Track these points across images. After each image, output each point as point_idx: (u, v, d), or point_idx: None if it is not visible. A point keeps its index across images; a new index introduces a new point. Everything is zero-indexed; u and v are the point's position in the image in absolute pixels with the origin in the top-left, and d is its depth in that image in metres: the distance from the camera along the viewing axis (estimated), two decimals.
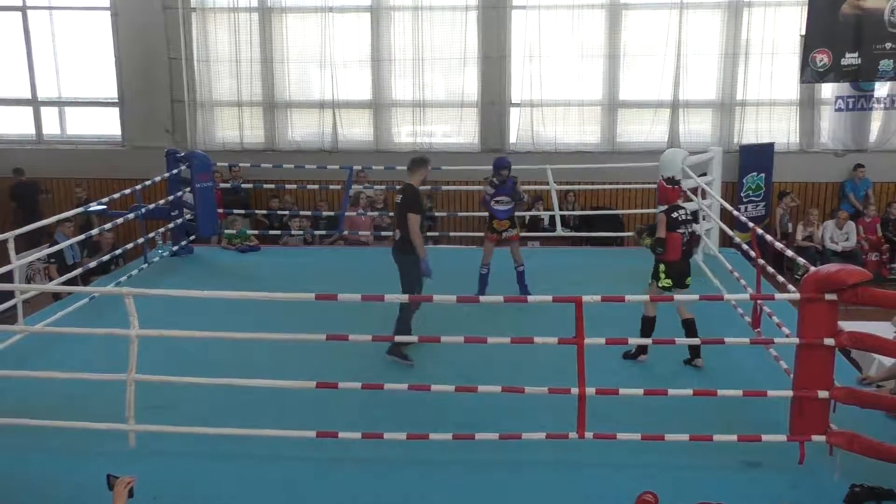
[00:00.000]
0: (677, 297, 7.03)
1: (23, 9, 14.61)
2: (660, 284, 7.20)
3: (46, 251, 9.66)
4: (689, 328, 7.14)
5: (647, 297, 6.99)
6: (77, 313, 8.14)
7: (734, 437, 5.55)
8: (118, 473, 3.97)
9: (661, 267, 7.19)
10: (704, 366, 7.09)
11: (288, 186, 12.73)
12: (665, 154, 10.63)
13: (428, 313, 7.63)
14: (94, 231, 9.82)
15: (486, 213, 9.05)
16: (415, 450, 5.65)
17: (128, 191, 9.87)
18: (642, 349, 7.28)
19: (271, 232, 12.30)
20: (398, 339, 6.60)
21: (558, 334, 5.76)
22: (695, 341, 6.59)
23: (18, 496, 5.25)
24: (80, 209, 9.76)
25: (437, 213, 13.03)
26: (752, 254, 7.54)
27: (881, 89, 13.70)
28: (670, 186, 7.41)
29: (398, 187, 7.70)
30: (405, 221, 7.26)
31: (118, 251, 10.28)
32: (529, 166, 11.62)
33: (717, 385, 5.76)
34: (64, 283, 9.05)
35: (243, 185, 12.72)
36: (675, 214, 7.21)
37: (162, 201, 10.62)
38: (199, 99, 14.40)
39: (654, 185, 10.25)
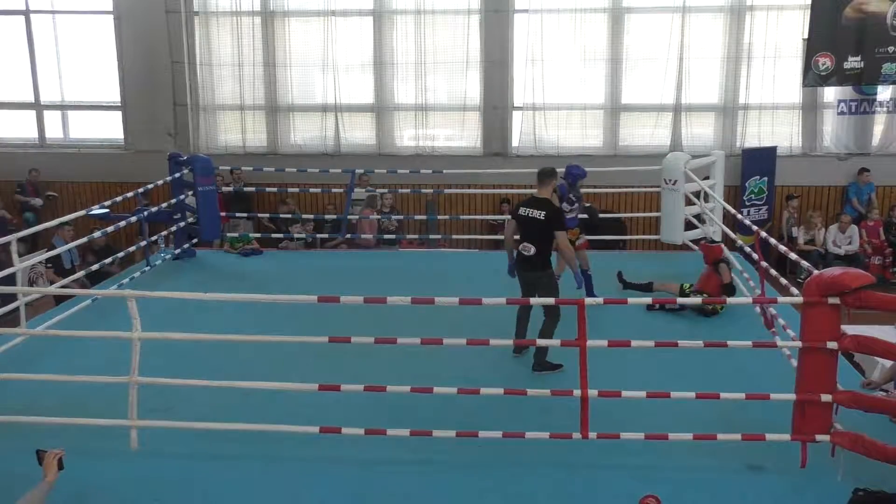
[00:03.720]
0: None
1: (26, 13, 14.66)
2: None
3: (45, 255, 9.63)
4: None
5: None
6: (79, 316, 8.14)
7: (737, 440, 5.54)
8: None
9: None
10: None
11: (290, 190, 12.74)
12: (667, 158, 10.63)
13: (430, 316, 7.64)
14: (97, 234, 9.81)
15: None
16: (417, 449, 5.64)
17: (130, 194, 9.87)
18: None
19: (274, 235, 12.31)
20: (543, 344, 6.74)
21: (561, 336, 5.75)
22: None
23: (20, 497, 5.24)
24: (82, 212, 9.75)
25: (439, 217, 13.04)
26: (756, 257, 7.54)
27: (884, 93, 13.70)
28: (714, 245, 8.90)
29: (529, 202, 7.23)
30: (545, 238, 7.03)
31: (120, 254, 10.24)
32: (532, 170, 11.61)
33: (721, 388, 5.74)
34: (65, 287, 9.05)
35: (245, 189, 12.73)
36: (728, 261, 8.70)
37: (164, 204, 10.63)
38: (202, 102, 14.44)
39: (657, 189, 10.30)
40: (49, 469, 4.19)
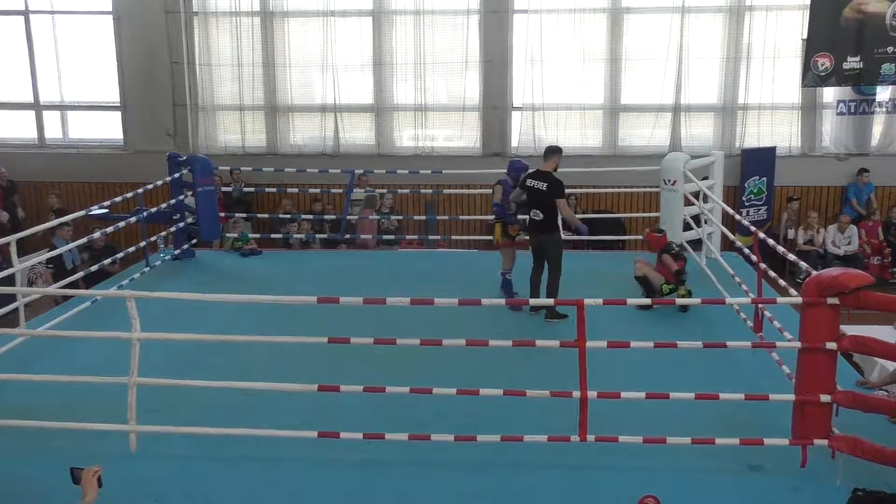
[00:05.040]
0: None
1: (25, 13, 14.65)
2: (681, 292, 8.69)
3: (45, 255, 9.61)
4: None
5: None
6: (79, 317, 8.14)
7: (736, 441, 5.55)
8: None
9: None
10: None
11: (290, 190, 12.75)
12: (666, 158, 10.65)
13: (429, 316, 7.64)
14: (96, 235, 9.81)
15: (492, 218, 9.14)
16: (416, 451, 5.64)
17: (129, 194, 9.87)
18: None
19: (273, 236, 12.31)
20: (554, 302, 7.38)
21: (560, 337, 5.76)
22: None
23: (20, 498, 5.25)
24: (82, 212, 9.74)
25: (438, 217, 13.04)
26: (754, 258, 7.55)
27: (883, 93, 13.70)
28: (659, 234, 9.10)
29: (534, 174, 8.38)
30: (549, 205, 8.19)
31: (120, 254, 10.22)
32: (531, 169, 11.64)
33: (719, 388, 5.75)
34: (65, 287, 9.03)
35: (245, 189, 12.73)
36: (673, 251, 8.97)
37: (164, 205, 10.63)
38: (201, 103, 14.43)
39: (656, 189, 10.32)
40: (89, 487, 3.95)
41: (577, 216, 13.10)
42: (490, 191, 10.17)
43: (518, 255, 9.06)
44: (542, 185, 8.23)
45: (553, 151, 8.48)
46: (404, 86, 14.20)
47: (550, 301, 7.38)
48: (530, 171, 8.51)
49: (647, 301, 7.56)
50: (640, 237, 12.59)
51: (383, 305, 5.94)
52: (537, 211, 8.29)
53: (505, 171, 9.16)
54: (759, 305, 7.43)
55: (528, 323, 8.22)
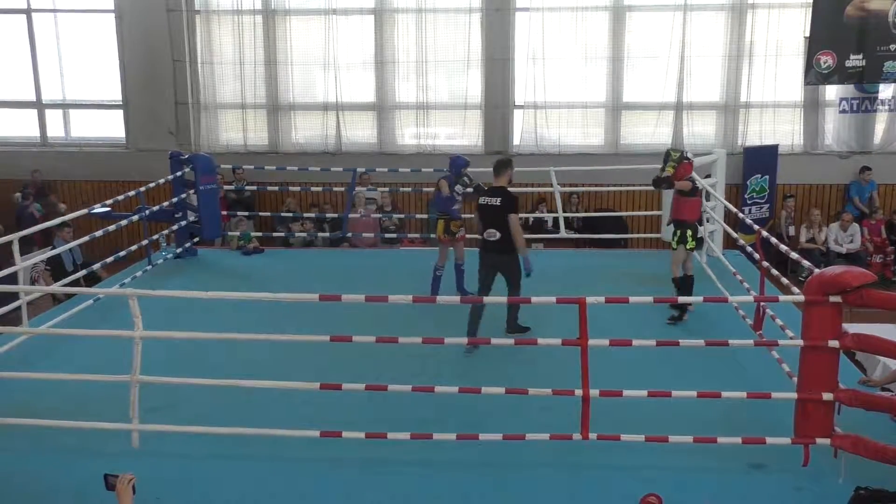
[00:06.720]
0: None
1: (27, 11, 14.66)
2: (688, 247, 8.25)
3: (45, 255, 9.59)
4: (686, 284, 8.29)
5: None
6: (81, 315, 8.16)
7: (738, 440, 5.54)
8: (122, 472, 3.95)
9: (689, 232, 8.22)
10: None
11: (291, 188, 12.75)
12: None
13: (430, 314, 7.64)
14: (98, 233, 9.80)
15: (443, 215, 9.24)
16: (418, 450, 5.64)
17: (132, 193, 9.87)
18: (684, 307, 8.17)
19: (275, 234, 12.31)
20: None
21: (562, 336, 5.76)
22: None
23: (22, 496, 5.25)
24: (83, 211, 9.74)
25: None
26: (757, 256, 7.54)
27: (886, 91, 13.67)
28: (688, 161, 8.53)
29: (488, 191, 7.88)
30: (505, 222, 7.50)
31: (122, 253, 10.20)
32: (533, 168, 11.66)
33: (721, 387, 5.75)
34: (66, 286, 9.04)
35: (247, 188, 12.73)
36: (698, 184, 8.47)
37: (166, 203, 10.63)
38: (203, 101, 14.42)
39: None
40: (125, 495, 3.96)
41: (577, 214, 13.30)
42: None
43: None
44: (496, 201, 7.61)
45: (504, 165, 7.87)
46: (406, 84, 14.19)
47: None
48: (485, 189, 8.04)
49: (649, 299, 7.50)
50: (642, 235, 12.62)
51: (385, 303, 5.94)
52: (493, 231, 7.61)
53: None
54: (762, 304, 7.42)
55: (530, 322, 8.19)
